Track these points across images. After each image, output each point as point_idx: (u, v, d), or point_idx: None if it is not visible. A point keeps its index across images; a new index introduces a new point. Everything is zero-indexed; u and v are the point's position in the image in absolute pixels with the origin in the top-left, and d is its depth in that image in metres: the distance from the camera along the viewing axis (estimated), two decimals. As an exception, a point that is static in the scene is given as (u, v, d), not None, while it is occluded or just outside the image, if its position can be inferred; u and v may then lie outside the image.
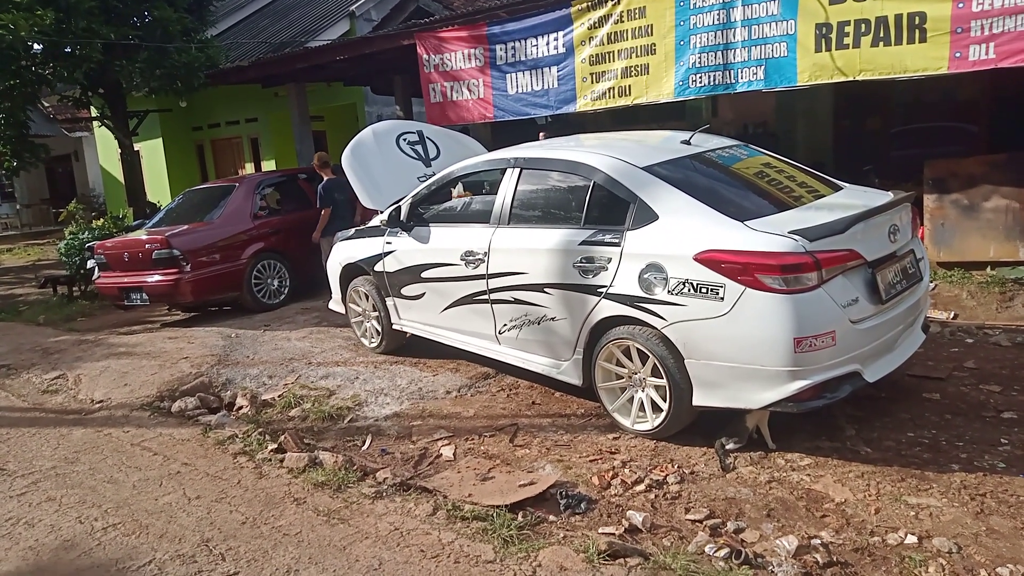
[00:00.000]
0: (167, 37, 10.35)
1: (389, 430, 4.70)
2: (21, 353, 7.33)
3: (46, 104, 19.41)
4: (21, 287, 12.87)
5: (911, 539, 2.99)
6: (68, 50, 9.75)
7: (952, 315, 5.90)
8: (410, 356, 5.93)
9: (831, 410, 4.13)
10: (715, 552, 3.00)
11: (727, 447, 3.83)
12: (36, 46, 10.18)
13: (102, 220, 12.28)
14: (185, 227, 8.14)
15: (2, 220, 22.72)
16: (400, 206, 5.38)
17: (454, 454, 4.23)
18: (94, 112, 13.98)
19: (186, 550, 3.36)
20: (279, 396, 5.46)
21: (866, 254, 3.57)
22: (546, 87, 7.50)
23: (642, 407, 4.06)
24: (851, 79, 5.77)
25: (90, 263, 8.98)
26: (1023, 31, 5.05)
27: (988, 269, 6.16)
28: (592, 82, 7.19)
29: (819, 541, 3.03)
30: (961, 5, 5.20)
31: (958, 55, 5.28)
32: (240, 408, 5.42)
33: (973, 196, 6.09)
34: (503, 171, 4.77)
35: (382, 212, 5.71)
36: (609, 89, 7.09)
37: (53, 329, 8.64)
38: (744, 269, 3.45)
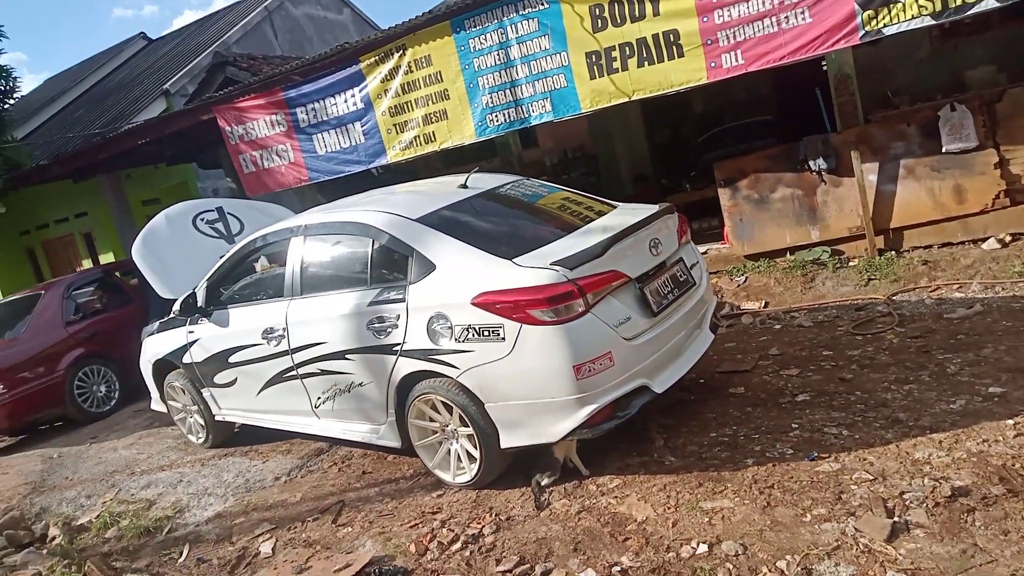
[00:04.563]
0: (-46, 145, 9.58)
1: (209, 534, 4.39)
2: None
3: None
4: None
5: (702, 548, 3.01)
6: None
7: (763, 304, 6.20)
8: (242, 445, 5.62)
9: (643, 422, 4.19)
10: (520, 602, 2.92)
11: (543, 483, 3.80)
12: None
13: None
14: (-11, 347, 7.45)
15: None
16: (195, 291, 5.11)
17: (273, 548, 3.99)
18: None
19: None
20: (96, 517, 5.03)
21: (629, 271, 3.65)
22: (354, 143, 7.43)
23: (460, 459, 3.98)
24: (627, 100, 6.03)
25: None
26: (761, 36, 5.45)
27: (788, 255, 6.54)
28: (397, 133, 7.18)
29: (619, 568, 3.02)
30: (706, 19, 5.56)
31: (713, 64, 5.63)
32: (52, 539, 4.94)
33: (761, 189, 6.47)
34: (289, 240, 4.62)
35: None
36: (415, 138, 7.11)
37: None
38: (515, 307, 3.45)
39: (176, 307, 5.23)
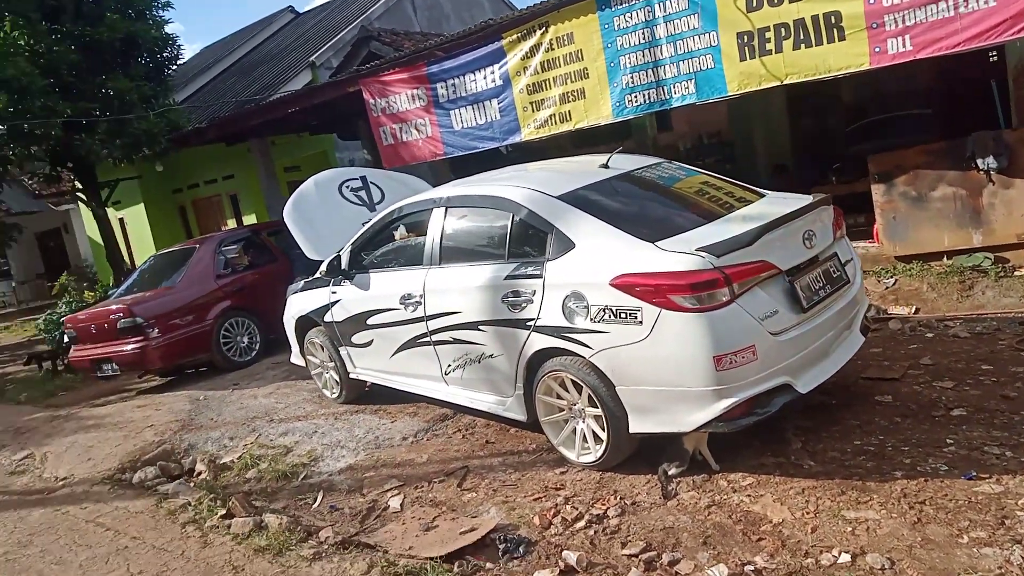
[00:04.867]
0: (126, 107, 10.46)
1: (341, 484, 4.62)
2: (-7, 435, 7.30)
3: (29, 181, 19.64)
4: (13, 364, 12.86)
5: (844, 558, 2.88)
6: (29, 129, 9.86)
7: (914, 309, 5.80)
8: (372, 403, 5.86)
9: (780, 423, 4.03)
10: (646, 588, 2.90)
11: (670, 473, 3.73)
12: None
13: (93, 292, 12.33)
14: (148, 293, 8.14)
15: (0, 298, 22.83)
16: (340, 255, 5.36)
17: (401, 504, 4.14)
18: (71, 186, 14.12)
19: (114, 634, 3.27)
20: (238, 458, 5.39)
21: (780, 263, 3.50)
22: (489, 120, 7.53)
23: (585, 439, 3.98)
24: (779, 84, 5.75)
25: (67, 337, 8.99)
26: (935, 21, 5.03)
27: (945, 259, 6.06)
28: (533, 111, 7.20)
29: (752, 568, 2.93)
30: (872, 1, 5.19)
31: (878, 50, 5.26)
32: (199, 474, 5.35)
33: (920, 187, 6.02)
34: (431, 211, 4.74)
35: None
36: (550, 116, 7.11)
37: (31, 407, 8.61)
38: (656, 291, 3.39)
39: (323, 268, 5.51)
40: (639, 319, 3.45)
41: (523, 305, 3.98)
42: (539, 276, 3.90)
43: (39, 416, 7.83)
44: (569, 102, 6.92)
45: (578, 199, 3.98)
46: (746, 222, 3.63)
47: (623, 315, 3.51)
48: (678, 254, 3.42)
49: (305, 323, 6.03)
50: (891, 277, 6.23)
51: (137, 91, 10.60)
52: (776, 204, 3.96)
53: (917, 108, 8.86)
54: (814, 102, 9.25)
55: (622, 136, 8.50)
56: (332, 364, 5.89)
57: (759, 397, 3.42)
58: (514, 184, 4.30)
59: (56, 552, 4.34)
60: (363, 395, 5.99)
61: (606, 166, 4.36)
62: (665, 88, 6.27)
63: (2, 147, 10.42)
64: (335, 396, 6.07)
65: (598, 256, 3.68)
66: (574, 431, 4.04)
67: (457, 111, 7.72)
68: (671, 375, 3.43)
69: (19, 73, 9.04)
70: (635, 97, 6.49)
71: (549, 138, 7.50)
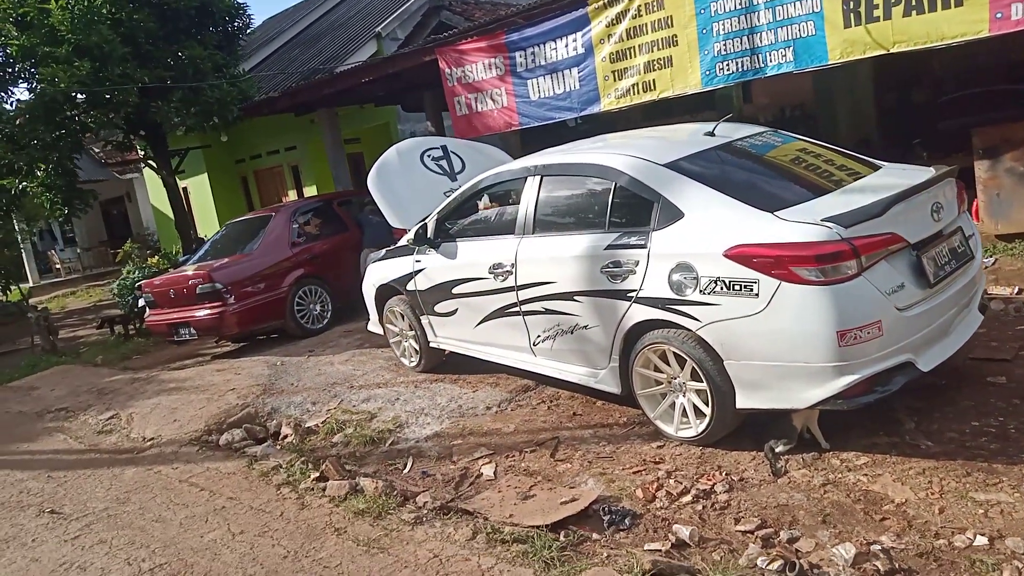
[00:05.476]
0: (199, 75, 10.60)
1: (430, 451, 4.64)
2: (78, 395, 7.55)
3: (96, 149, 20.15)
4: (83, 328, 13.33)
5: (981, 540, 2.77)
6: (108, 97, 10.08)
7: (1016, 290, 5.54)
8: (450, 373, 5.86)
9: (889, 403, 3.87)
10: (767, 565, 2.84)
11: (777, 450, 3.64)
12: (79, 96, 10.54)
13: (156, 258, 12.65)
14: (226, 260, 8.28)
15: (66, 264, 23.62)
16: (426, 223, 5.34)
17: (495, 472, 4.14)
18: (141, 154, 14.43)
19: (227, 588, 3.34)
20: (322, 422, 5.46)
21: (908, 236, 3.36)
22: (568, 89, 7.39)
23: (685, 413, 3.90)
24: (885, 52, 5.49)
25: (141, 301, 9.22)
26: (1070, -18, 4.73)
27: (1052, 238, 5.78)
28: (615, 80, 7.04)
29: (879, 547, 2.84)
30: (996, -39, 4.90)
31: (999, 15, 4.96)
32: (285, 437, 5.43)
33: (1030, 162, 5.73)
34: (524, 179, 4.68)
35: (409, 231, 5.68)
36: (633, 85, 6.94)
37: (109, 369, 8.88)
38: (777, 262, 3.28)
39: (410, 236, 5.50)
40: (755, 291, 3.34)
41: (624, 276, 3.90)
42: (643, 246, 3.82)
43: (119, 378, 8.07)
44: (654, 71, 6.73)
45: (685, 168, 3.87)
46: (871, 193, 3.49)
47: (737, 287, 3.41)
48: (801, 224, 3.30)
49: (386, 291, 6.04)
50: (990, 256, 5.98)
51: (210, 60, 10.72)
52: (897, 175, 3.79)
53: (1016, 83, 8.44)
54: (902, 75, 8.88)
55: (703, 108, 8.30)
56: (412, 333, 5.91)
57: (880, 375, 3.30)
58: (616, 152, 4.20)
59: (154, 510, 4.46)
60: (440, 364, 5.99)
61: (712, 134, 4.23)
62: (760, 56, 6.04)
63: (82, 114, 10.69)
64: (413, 365, 6.09)
65: (710, 226, 3.58)
66: (672, 405, 3.96)
67: (535, 80, 7.59)
68: (787, 350, 3.33)
69: (102, 40, 9.22)
70: (727, 65, 6.27)
71: (624, 110, 7.33)
